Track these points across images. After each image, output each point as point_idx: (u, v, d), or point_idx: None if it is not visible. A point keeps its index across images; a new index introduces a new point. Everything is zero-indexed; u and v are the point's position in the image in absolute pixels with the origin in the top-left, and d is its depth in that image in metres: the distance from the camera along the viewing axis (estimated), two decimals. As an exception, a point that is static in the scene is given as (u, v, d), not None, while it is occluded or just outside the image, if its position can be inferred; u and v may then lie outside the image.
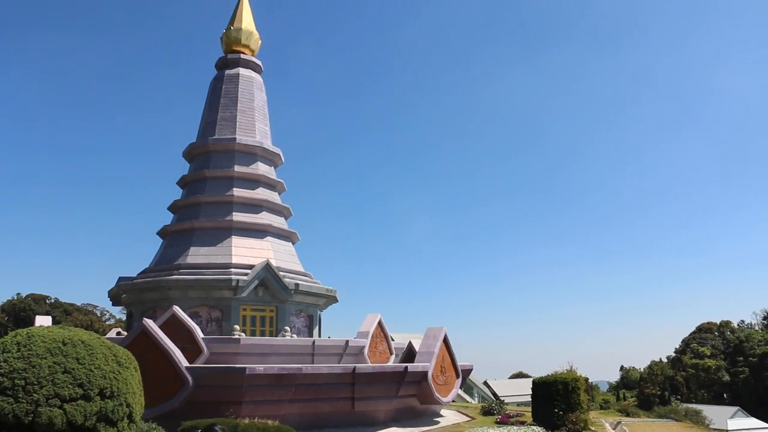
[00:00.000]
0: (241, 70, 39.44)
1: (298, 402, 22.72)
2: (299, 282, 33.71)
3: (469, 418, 30.46)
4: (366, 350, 30.91)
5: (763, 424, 54.88)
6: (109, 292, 35.85)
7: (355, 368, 23.59)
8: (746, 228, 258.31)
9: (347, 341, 29.79)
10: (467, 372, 32.88)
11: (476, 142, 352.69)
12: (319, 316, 36.84)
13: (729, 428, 47.34)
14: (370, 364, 28.40)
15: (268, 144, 38.20)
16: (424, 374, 25.94)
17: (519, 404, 46.78)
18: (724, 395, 71.76)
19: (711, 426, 44.60)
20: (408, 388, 25.70)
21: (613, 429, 31.86)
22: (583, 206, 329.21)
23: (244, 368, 21.41)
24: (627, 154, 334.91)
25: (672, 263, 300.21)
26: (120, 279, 35.49)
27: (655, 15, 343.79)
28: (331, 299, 36.75)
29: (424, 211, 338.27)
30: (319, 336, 35.77)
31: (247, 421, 18.73)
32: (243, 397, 21.37)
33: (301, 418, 22.40)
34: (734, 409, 58.20)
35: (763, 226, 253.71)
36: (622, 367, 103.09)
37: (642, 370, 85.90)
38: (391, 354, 33.61)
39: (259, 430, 17.61)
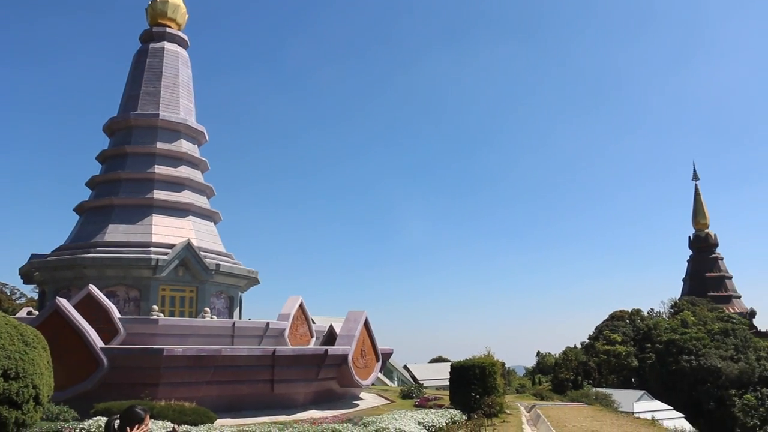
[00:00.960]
0: (167, 44, 38.36)
1: (217, 384, 22.47)
2: (220, 263, 33.23)
3: (388, 401, 30.78)
4: (287, 333, 30.80)
5: (665, 405, 57.63)
6: (20, 269, 34.42)
7: (275, 350, 23.48)
8: (659, 224, 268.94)
9: (268, 323, 29.60)
10: (387, 356, 33.19)
11: (391, 118, 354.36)
12: (240, 297, 36.44)
13: (635, 410, 49.26)
14: (291, 347, 28.35)
15: (192, 121, 37.37)
16: (345, 357, 26.04)
17: (438, 388, 47.54)
18: (632, 380, 74.68)
19: (619, 409, 46.36)
20: (328, 371, 25.76)
21: (528, 412, 32.75)
22: (508, 202, 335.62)
23: (162, 349, 21.01)
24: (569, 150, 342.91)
25: (588, 256, 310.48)
26: (32, 256, 34.11)
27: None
28: (252, 281, 36.39)
29: (348, 196, 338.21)
30: (240, 318, 35.40)
31: (163, 403, 18.43)
32: (160, 378, 20.98)
33: (219, 400, 22.17)
34: (641, 392, 60.74)
35: (673, 222, 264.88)
36: (538, 353, 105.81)
37: (557, 355, 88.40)
38: (312, 337, 33.60)
39: (176, 413, 17.36)
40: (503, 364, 31.82)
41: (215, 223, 37.30)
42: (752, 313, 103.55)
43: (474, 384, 24.72)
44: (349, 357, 26.19)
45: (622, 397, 56.40)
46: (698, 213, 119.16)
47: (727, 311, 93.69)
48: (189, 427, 15.85)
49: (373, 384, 34.05)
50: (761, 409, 63.97)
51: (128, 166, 34.72)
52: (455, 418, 22.07)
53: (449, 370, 26.86)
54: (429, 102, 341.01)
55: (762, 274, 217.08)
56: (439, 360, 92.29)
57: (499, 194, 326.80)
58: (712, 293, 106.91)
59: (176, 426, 10.84)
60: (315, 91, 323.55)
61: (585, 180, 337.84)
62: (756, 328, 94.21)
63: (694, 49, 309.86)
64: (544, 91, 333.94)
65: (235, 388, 23.18)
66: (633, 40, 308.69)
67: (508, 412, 28.97)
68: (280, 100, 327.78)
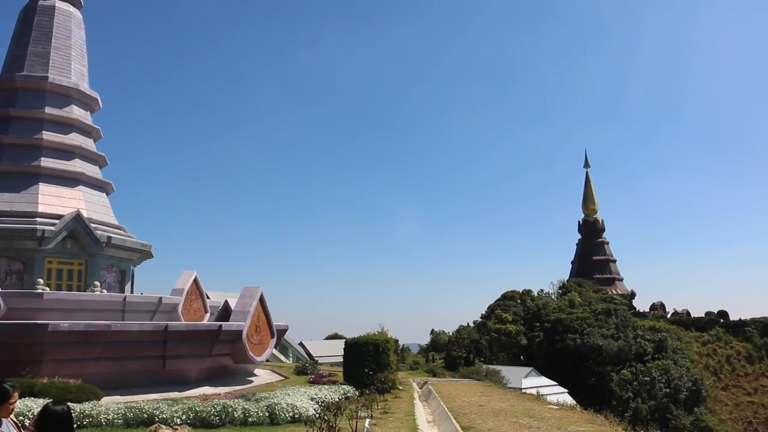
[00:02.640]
0: (58, 3, 36.31)
1: (106, 360, 21.79)
2: (112, 235, 32.08)
3: (282, 378, 30.81)
4: (180, 308, 30.21)
5: (550, 381, 60.44)
6: None
7: (167, 326, 23.00)
8: (552, 209, 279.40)
9: (160, 298, 28.91)
10: (282, 332, 33.13)
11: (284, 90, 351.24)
12: (133, 271, 35.37)
13: (523, 386, 51.39)
14: (184, 322, 27.77)
15: (84, 87, 35.69)
16: (239, 333, 25.82)
17: (333, 365, 47.90)
18: (521, 357, 77.58)
19: (508, 385, 48.11)
20: (222, 347, 25.48)
21: (420, 388, 33.53)
22: (405, 181, 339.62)
23: (46, 324, 20.16)
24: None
25: (483, 237, 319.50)
26: None
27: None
28: (145, 254, 35.37)
29: (246, 169, 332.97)
30: (132, 292, 34.36)
31: (46, 380, 17.78)
32: (44, 355, 20.13)
33: (108, 377, 21.52)
34: (529, 369, 63.32)
35: (565, 207, 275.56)
36: (432, 331, 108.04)
37: (450, 333, 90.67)
38: (207, 312, 33.10)
39: (59, 390, 16.81)
40: (397, 341, 32.42)
41: (108, 194, 35.93)
42: (632, 295, 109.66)
43: (368, 360, 25.11)
44: (244, 333, 25.98)
45: (511, 373, 58.67)
46: (588, 199, 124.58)
47: (610, 293, 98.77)
48: (73, 404, 15.35)
49: (267, 360, 33.94)
50: (635, 383, 68.49)
51: (12, 131, 32.82)
52: (348, 394, 22.39)
53: (344, 347, 27.14)
54: (323, 80, 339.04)
55: (642, 258, 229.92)
56: (335, 337, 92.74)
57: (396, 173, 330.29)
58: (597, 275, 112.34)
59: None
60: (214, 58, 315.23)
61: (482, 164, 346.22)
62: (635, 308, 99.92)
63: (588, 41, 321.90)
64: (445, 75, 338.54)
65: (125, 365, 22.55)
66: (531, 31, 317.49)
67: (401, 388, 29.58)
68: (184, 68, 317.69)
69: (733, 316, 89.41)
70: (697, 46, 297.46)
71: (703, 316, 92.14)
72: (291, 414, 17.23)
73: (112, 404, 16.28)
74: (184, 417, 15.73)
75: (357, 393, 22.72)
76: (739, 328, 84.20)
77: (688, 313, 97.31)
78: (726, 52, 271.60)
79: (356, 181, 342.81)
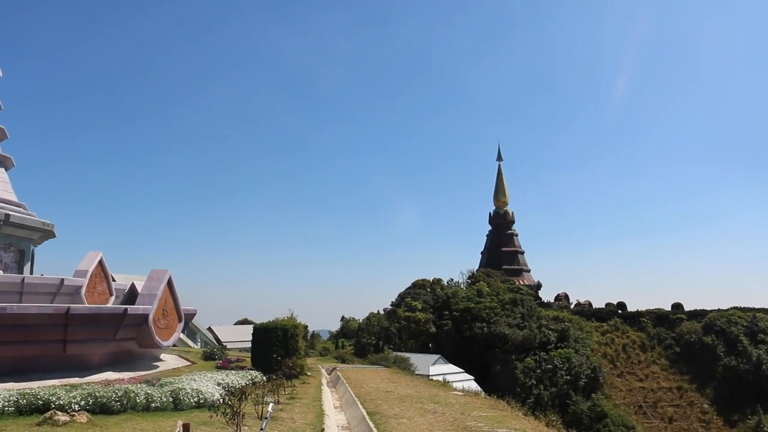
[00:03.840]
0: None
1: (1, 345, 20.85)
2: (10, 212, 30.61)
3: (189, 363, 30.34)
4: (83, 290, 29.25)
5: (458, 369, 61.87)
6: None
7: (69, 309, 22.17)
8: (465, 200, 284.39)
9: (62, 280, 27.89)
10: (190, 316, 32.58)
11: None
12: (33, 251, 33.89)
13: (430, 373, 52.44)
14: (87, 305, 26.88)
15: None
16: (145, 317, 25.20)
17: (242, 350, 47.52)
18: (430, 345, 78.97)
19: (416, 372, 48.97)
20: (127, 331, 24.81)
21: (329, 374, 33.73)
22: (314, 166, 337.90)
23: (-65, 305, 19.15)
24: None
25: (395, 226, 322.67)
26: None
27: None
28: (47, 234, 33.94)
29: (158, 151, 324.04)
30: (31, 273, 32.94)
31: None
32: (-70, 337, 19.13)
33: (2, 362, 20.63)
34: (436, 356, 64.63)
35: (477, 199, 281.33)
36: (343, 318, 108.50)
37: (361, 320, 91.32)
38: (111, 295, 32.17)
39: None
40: (306, 327, 32.43)
41: (6, 170, 34.24)
42: (538, 286, 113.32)
43: (276, 346, 25.05)
44: (150, 317, 25.37)
45: (419, 360, 59.77)
46: (499, 191, 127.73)
47: (517, 283, 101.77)
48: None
49: (174, 345, 33.34)
50: (538, 371, 71.16)
51: None
52: (255, 380, 22.29)
53: (252, 332, 26.97)
54: (240, 60, 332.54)
55: (549, 250, 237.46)
56: (244, 322, 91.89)
57: (305, 157, 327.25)
58: (506, 266, 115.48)
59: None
60: (124, 35, 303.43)
61: (395, 152, 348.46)
62: (541, 299, 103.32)
63: (504, 36, 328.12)
64: (360, 62, 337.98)
65: (22, 350, 21.62)
66: (448, 23, 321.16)
67: (309, 374, 29.67)
68: (95, 43, 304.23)
69: (631, 308, 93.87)
70: (605, 48, 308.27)
71: (604, 307, 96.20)
72: (196, 399, 17.00)
73: (3, 391, 15.56)
74: (83, 403, 15.24)
75: (265, 378, 22.65)
76: (635, 318, 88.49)
77: (590, 304, 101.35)
78: (631, 53, 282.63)
79: (275, 165, 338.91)
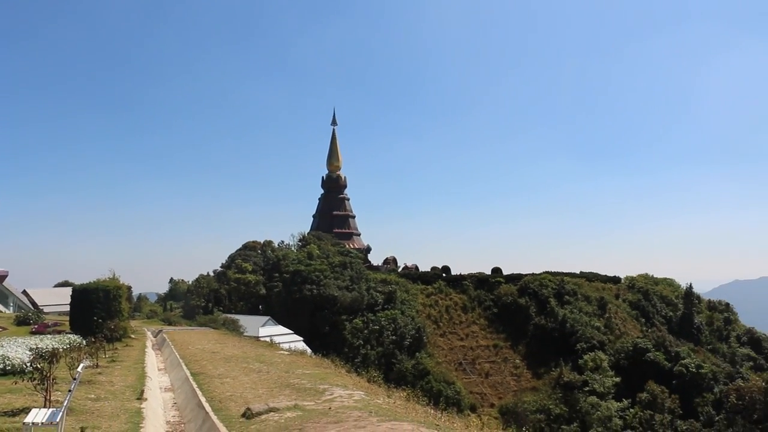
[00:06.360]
0: None
1: None
2: None
3: (0, 329, 28.63)
4: None
5: (287, 330, 62.73)
6: None
7: None
8: (299, 163, 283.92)
9: None
10: (1, 279, 30.60)
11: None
12: None
13: (260, 335, 52.73)
14: None
15: None
16: (-51, 280, 23.43)
17: (61, 314, 45.20)
18: (260, 306, 79.04)
19: (245, 333, 49.04)
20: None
21: (155, 337, 33.09)
22: (156, 125, 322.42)
23: None
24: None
25: (226, 186, 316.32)
26: None
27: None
28: None
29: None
30: None
31: None
32: None
33: None
34: (266, 318, 65.01)
35: (310, 162, 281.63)
36: (171, 280, 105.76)
37: (190, 283, 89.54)
38: None
39: None
40: (130, 288, 31.44)
41: None
42: (368, 249, 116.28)
43: (97, 308, 24.28)
44: (-46, 279, 23.62)
45: (249, 322, 59.87)
46: (333, 156, 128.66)
47: (347, 246, 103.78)
48: None
49: (-18, 309, 31.16)
50: (366, 332, 73.64)
51: None
52: (74, 343, 21.51)
53: (71, 294, 25.90)
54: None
55: (379, 215, 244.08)
56: (65, 284, 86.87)
57: (128, 121, 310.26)
58: (337, 230, 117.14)
59: None
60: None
61: (228, 111, 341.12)
62: (370, 262, 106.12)
63: (347, 6, 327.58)
64: (196, 16, 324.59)
65: None
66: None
67: (134, 336, 28.99)
68: None
69: (455, 272, 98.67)
70: (438, 27, 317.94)
71: (429, 270, 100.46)
72: (2, 366, 16.17)
73: None
74: None
75: (84, 342, 21.92)
76: (458, 282, 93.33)
77: (416, 268, 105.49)
78: (461, 35, 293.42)
79: (68, 125, 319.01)
